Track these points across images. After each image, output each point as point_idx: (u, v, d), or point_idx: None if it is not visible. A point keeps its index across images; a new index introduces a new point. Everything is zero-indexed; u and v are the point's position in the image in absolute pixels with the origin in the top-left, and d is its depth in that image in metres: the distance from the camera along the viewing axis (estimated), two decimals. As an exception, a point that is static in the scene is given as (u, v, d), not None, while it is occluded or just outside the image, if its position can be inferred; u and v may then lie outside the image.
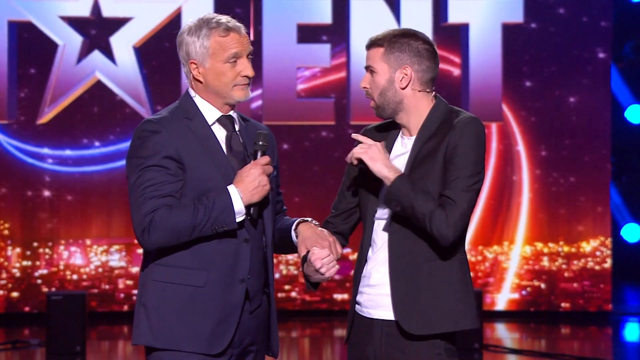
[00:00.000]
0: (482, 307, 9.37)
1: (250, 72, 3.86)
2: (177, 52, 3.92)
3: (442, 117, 3.87)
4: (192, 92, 3.92)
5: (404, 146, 3.93)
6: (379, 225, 3.91)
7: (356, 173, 3.99)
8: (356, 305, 3.99)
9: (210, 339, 3.78)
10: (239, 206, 3.76)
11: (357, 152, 3.81)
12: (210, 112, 3.89)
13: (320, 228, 3.96)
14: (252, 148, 3.87)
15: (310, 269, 3.86)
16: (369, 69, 3.93)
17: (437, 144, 3.82)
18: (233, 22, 3.87)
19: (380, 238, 3.92)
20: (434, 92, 3.94)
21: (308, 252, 3.86)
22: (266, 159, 3.83)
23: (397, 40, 3.88)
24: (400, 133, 3.97)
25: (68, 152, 10.60)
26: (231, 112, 3.92)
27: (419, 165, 3.83)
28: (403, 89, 3.88)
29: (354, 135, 3.90)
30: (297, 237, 3.95)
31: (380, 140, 3.95)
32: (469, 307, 3.86)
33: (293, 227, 3.97)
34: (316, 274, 3.85)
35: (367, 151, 3.79)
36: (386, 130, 4.01)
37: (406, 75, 3.87)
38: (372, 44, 3.92)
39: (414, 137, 3.91)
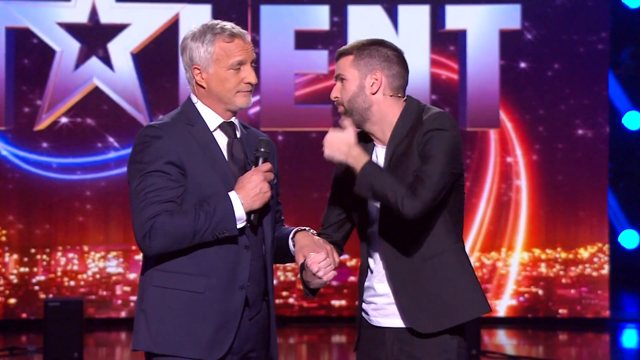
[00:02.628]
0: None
1: (253, 79, 3.86)
2: (180, 57, 3.92)
3: (412, 121, 3.87)
4: (194, 98, 3.92)
5: (380, 156, 3.93)
6: (375, 235, 3.91)
7: (342, 185, 4.00)
8: (363, 314, 3.99)
9: (210, 345, 3.78)
10: (239, 212, 3.75)
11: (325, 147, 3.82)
12: (212, 119, 3.88)
13: (317, 237, 3.97)
14: (252, 155, 3.88)
15: (308, 274, 3.87)
16: (338, 77, 3.93)
17: (409, 144, 3.82)
18: (238, 29, 3.88)
19: (378, 248, 3.92)
20: (405, 97, 3.94)
21: (306, 259, 3.86)
22: (268, 165, 3.83)
23: (366, 47, 3.90)
24: (374, 144, 3.97)
25: (65, 159, 10.58)
26: (232, 119, 3.92)
27: (394, 168, 3.82)
28: (374, 94, 3.88)
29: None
30: (294, 245, 3.95)
31: None
32: (476, 295, 3.86)
33: (290, 236, 3.98)
34: (314, 278, 3.86)
35: (328, 142, 3.80)
36: (364, 140, 3.99)
37: (377, 80, 3.87)
38: (341, 54, 3.94)
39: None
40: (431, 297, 3.81)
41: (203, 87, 3.88)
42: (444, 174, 3.73)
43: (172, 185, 3.75)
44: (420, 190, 3.69)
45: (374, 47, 3.90)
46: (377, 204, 3.88)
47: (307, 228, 4.00)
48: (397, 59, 3.91)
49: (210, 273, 3.78)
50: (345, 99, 3.91)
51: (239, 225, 3.77)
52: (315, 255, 3.83)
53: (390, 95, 3.89)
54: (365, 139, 3.98)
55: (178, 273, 3.78)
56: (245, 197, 3.76)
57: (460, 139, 3.84)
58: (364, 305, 3.98)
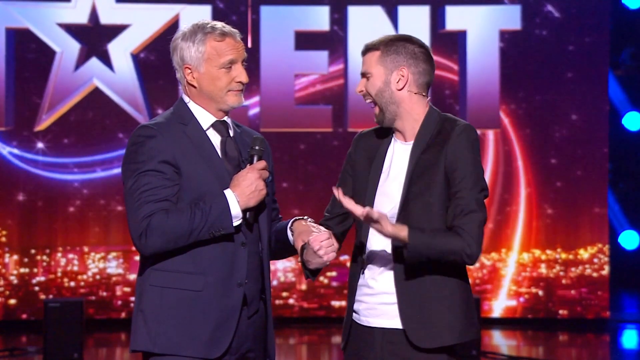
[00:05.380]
0: (480, 315, 9.36)
1: (244, 78, 3.87)
2: (171, 57, 3.93)
3: (437, 126, 3.87)
4: (186, 98, 3.93)
5: (398, 152, 3.92)
6: (374, 234, 3.88)
7: (350, 179, 3.99)
8: (353, 314, 3.98)
9: (209, 343, 3.77)
10: (235, 210, 3.75)
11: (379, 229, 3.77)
12: (204, 118, 3.89)
13: (315, 224, 3.95)
14: (246, 153, 3.88)
15: (309, 252, 3.82)
16: (364, 75, 3.93)
17: (436, 155, 3.82)
18: (228, 28, 3.88)
19: (376, 247, 3.90)
20: (429, 98, 3.94)
21: (305, 244, 3.85)
22: (262, 163, 3.83)
23: (393, 44, 3.90)
24: (394, 138, 3.96)
25: (65, 159, 10.59)
26: (225, 118, 3.92)
27: (418, 177, 3.82)
28: (399, 90, 3.88)
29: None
30: (292, 234, 3.94)
31: (373, 145, 3.95)
32: (472, 318, 3.88)
33: (288, 225, 3.98)
34: (314, 257, 3.81)
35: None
36: (380, 135, 4.00)
37: (403, 76, 3.87)
38: (368, 49, 3.93)
39: (410, 143, 3.90)
40: (432, 311, 3.81)
41: (194, 87, 3.89)
42: (482, 203, 3.80)
43: (167, 184, 3.75)
44: (475, 235, 3.75)
45: (401, 43, 3.90)
46: (386, 209, 3.86)
47: (306, 217, 4.00)
48: (423, 56, 3.91)
49: (208, 271, 3.78)
50: (372, 93, 3.90)
51: (235, 223, 3.76)
52: (318, 235, 3.81)
53: (415, 93, 3.89)
54: (382, 134, 3.99)
55: (175, 272, 3.78)
56: (240, 195, 3.76)
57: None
58: (355, 305, 3.96)
